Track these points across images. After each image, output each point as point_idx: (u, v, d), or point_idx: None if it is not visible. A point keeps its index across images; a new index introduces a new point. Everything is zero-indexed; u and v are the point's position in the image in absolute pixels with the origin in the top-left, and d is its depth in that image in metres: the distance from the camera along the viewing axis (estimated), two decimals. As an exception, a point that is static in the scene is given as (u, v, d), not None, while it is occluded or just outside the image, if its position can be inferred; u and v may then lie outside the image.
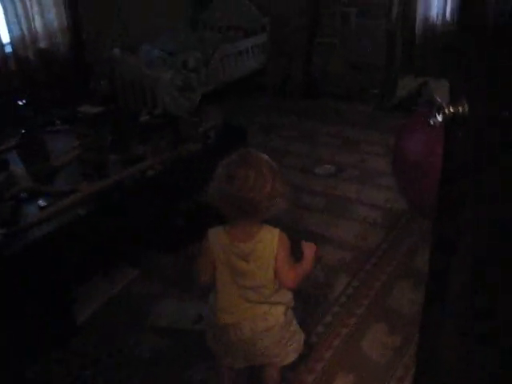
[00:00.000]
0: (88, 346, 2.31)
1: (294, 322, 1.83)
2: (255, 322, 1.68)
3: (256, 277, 1.64)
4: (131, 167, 2.71)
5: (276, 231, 1.66)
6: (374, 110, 5.02)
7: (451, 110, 1.07)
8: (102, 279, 2.71)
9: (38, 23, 4.04)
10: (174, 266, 2.82)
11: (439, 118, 1.08)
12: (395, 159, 3.33)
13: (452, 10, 4.83)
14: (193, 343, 2.26)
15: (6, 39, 3.89)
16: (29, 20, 3.95)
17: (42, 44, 4.11)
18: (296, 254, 1.72)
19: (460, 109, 1.07)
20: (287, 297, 1.75)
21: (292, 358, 1.85)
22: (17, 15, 3.85)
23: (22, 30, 3.91)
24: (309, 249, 1.73)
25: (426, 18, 5.04)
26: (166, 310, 2.50)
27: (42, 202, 2.42)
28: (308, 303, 2.52)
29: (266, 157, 1.67)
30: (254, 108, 5.16)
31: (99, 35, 4.54)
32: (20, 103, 2.86)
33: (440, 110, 1.07)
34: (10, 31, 3.86)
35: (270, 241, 1.63)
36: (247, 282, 1.65)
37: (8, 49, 3.91)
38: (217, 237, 1.67)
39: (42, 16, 4.05)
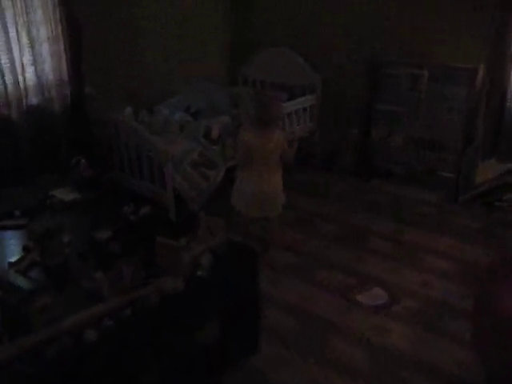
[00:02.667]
0: None
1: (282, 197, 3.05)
2: (269, 184, 2.93)
3: (273, 155, 2.89)
4: (67, 321, 1.80)
5: (280, 134, 2.98)
6: (445, 202, 3.94)
7: None
8: None
9: (28, 75, 3.30)
10: None
11: None
12: (478, 308, 2.27)
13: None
14: None
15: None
16: (15, 71, 3.20)
17: (33, 100, 3.36)
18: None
19: None
20: (280, 173, 3.00)
21: (280, 210, 3.05)
22: (-1, 65, 3.12)
23: (4, 83, 3.16)
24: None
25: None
26: None
27: None
28: None
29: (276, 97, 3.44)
30: (293, 187, 4.19)
31: (107, 89, 3.78)
32: None
33: None
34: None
35: (279, 138, 2.92)
36: (267, 160, 2.88)
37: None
38: (249, 137, 2.85)
39: (35, 67, 3.31)
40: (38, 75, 3.32)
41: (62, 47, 3.39)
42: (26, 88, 3.28)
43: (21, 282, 1.93)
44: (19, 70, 3.21)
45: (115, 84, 3.87)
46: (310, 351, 2.42)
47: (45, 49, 3.31)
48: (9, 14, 3.07)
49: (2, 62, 3.12)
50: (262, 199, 2.91)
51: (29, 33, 3.19)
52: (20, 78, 3.23)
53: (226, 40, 4.84)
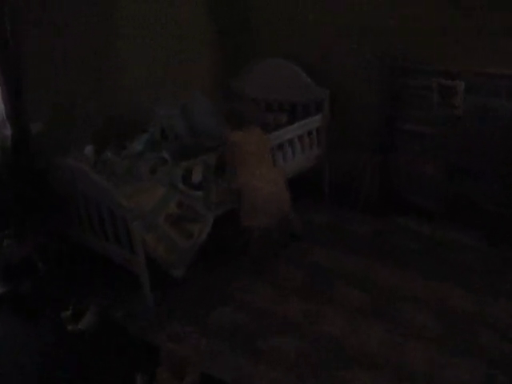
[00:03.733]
0: None
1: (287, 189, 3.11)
2: (270, 181, 2.97)
3: (260, 151, 3.01)
4: None
5: (258, 128, 3.14)
6: (492, 246, 3.12)
7: None
8: None
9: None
10: None
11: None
12: None
13: None
14: None
15: None
16: None
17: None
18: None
19: None
20: (282, 171, 3.20)
21: (290, 207, 3.10)
22: None
23: None
24: None
25: None
26: None
27: None
28: None
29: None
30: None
31: (62, 124, 3.02)
32: None
33: None
34: None
35: (261, 132, 3.13)
36: (257, 158, 2.98)
37: None
38: (237, 136, 2.98)
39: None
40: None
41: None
42: None
43: None
44: None
45: (73, 117, 3.11)
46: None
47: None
48: None
49: None
50: (271, 200, 2.96)
51: None
52: None
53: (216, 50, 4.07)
